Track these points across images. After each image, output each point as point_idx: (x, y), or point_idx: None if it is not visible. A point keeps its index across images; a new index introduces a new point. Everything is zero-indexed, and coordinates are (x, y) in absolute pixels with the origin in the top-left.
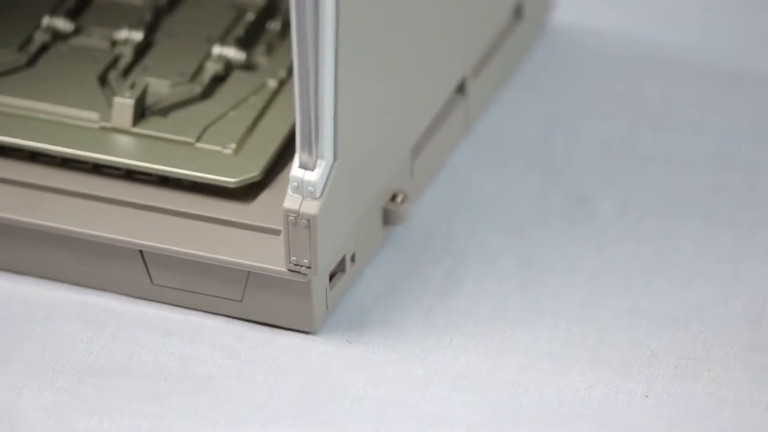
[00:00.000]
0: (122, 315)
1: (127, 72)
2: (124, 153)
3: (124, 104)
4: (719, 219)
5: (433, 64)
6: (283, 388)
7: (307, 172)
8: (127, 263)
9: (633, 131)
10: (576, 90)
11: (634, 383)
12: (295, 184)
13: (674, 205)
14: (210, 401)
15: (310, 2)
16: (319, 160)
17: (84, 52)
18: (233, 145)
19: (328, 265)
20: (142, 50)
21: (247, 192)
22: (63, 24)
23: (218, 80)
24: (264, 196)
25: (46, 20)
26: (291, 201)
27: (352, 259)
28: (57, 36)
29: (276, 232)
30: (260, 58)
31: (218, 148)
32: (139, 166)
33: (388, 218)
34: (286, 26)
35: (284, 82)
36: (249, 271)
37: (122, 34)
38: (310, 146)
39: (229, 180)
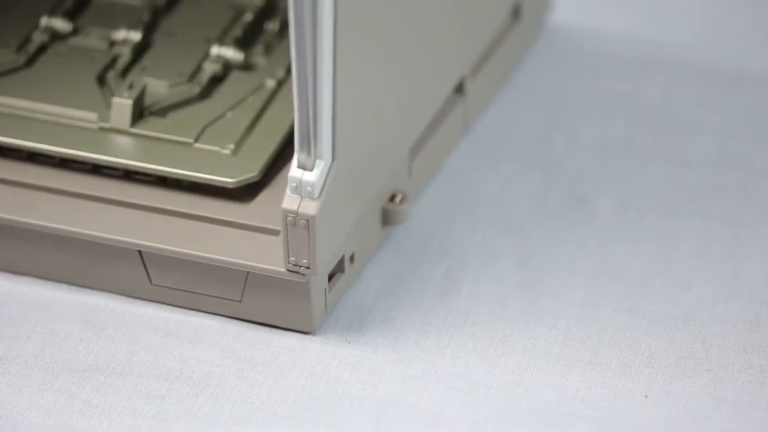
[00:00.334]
0: (121, 315)
1: (125, 72)
2: (122, 153)
3: (122, 104)
4: (718, 219)
5: (432, 64)
6: (282, 388)
7: (306, 173)
8: (126, 263)
9: (632, 131)
10: (575, 90)
11: (633, 383)
12: (294, 184)
13: (673, 204)
14: (209, 401)
15: (309, 2)
16: (317, 161)
17: (82, 53)
18: (232, 146)
19: (326, 265)
20: (140, 50)
21: (246, 192)
22: (61, 24)
23: (217, 80)
24: (263, 197)
25: (44, 20)
26: (289, 201)
27: (351, 259)
28: (55, 36)
29: (275, 233)
30: (258, 58)
31: (217, 149)
32: (138, 167)
33: (387, 218)
34: (284, 26)
35: (282, 83)
36: (248, 272)
37: (120, 34)
38: (308, 146)
39: (227, 180)
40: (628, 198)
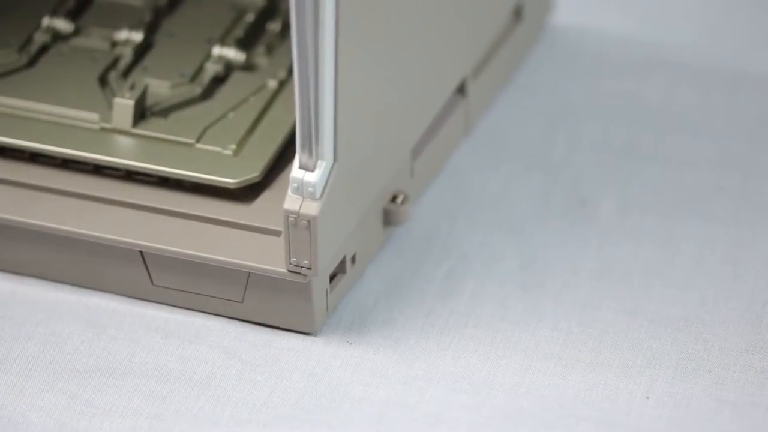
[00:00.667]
0: (123, 316)
1: (127, 73)
2: (124, 154)
3: (124, 105)
4: (719, 219)
5: (434, 65)
6: (283, 389)
7: (308, 173)
8: (127, 264)
9: (633, 132)
10: (576, 90)
11: (634, 384)
12: (296, 185)
13: (674, 205)
14: (210, 402)
15: (310, 3)
16: (319, 161)
17: (84, 53)
18: (233, 146)
19: (328, 266)
20: (142, 51)
21: (248, 193)
22: (63, 25)
23: (218, 81)
24: (264, 197)
25: (46, 21)
26: (291, 202)
27: (353, 260)
28: (57, 37)
29: (276, 233)
30: (260, 58)
31: (218, 149)
32: (140, 167)
33: (388, 219)
34: (286, 27)
35: (284, 83)
36: (249, 272)
37: (122, 34)
38: (310, 147)
39: (229, 181)
40: (629, 199)
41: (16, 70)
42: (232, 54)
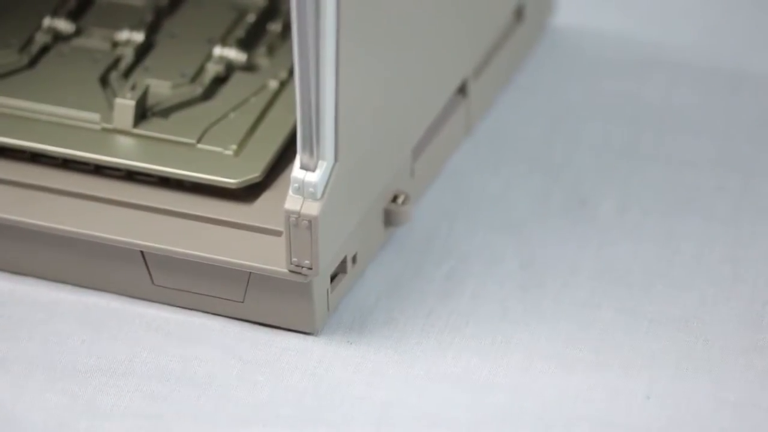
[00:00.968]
0: (123, 316)
1: (128, 73)
2: (125, 154)
3: (125, 105)
4: (719, 219)
5: (435, 66)
6: (284, 389)
7: (308, 173)
8: (128, 264)
9: (633, 132)
10: (576, 91)
11: (634, 384)
12: (296, 185)
13: (674, 205)
14: (211, 402)
15: (311, 3)
16: (320, 161)
17: (85, 54)
18: (234, 146)
19: (329, 266)
20: (143, 51)
21: (249, 193)
22: (64, 25)
23: (219, 81)
24: (265, 197)
25: (47, 21)
26: (292, 202)
27: (354, 260)
28: (58, 37)
29: (277, 233)
30: (261, 59)
31: (219, 149)
32: (140, 167)
33: (389, 219)
34: (287, 27)
35: (285, 84)
36: (250, 272)
37: (123, 35)
38: (311, 147)
39: (230, 181)
40: (629, 199)
41: (17, 70)
42: (233, 54)
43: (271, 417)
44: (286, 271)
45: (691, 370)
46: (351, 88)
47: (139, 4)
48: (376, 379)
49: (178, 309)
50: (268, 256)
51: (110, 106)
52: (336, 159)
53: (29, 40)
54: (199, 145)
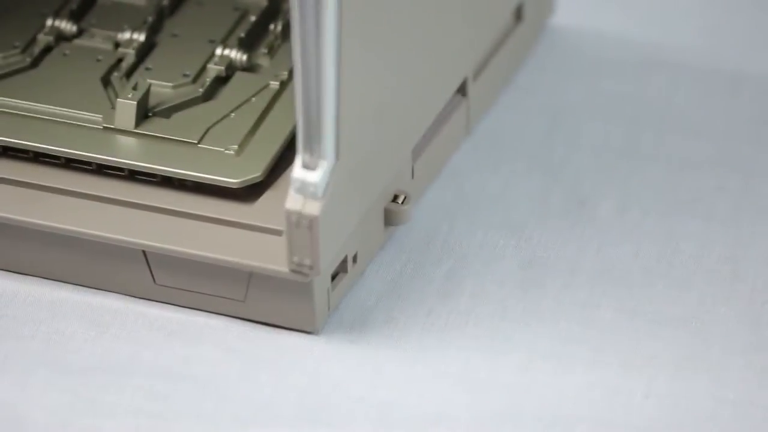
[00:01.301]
0: (125, 315)
1: (130, 73)
2: (127, 154)
3: (127, 105)
4: (719, 219)
5: (435, 66)
6: (284, 388)
7: (309, 173)
8: (130, 263)
9: (633, 132)
10: (576, 91)
11: (634, 384)
12: (297, 184)
13: (674, 205)
14: (212, 401)
15: (312, 3)
16: (320, 161)
17: (87, 54)
18: (235, 146)
19: (329, 265)
20: (144, 52)
21: (250, 192)
22: (66, 25)
23: (220, 81)
24: (266, 197)
25: (49, 22)
26: (293, 201)
27: (354, 259)
28: (60, 37)
29: (278, 233)
30: (262, 59)
31: (221, 149)
32: (142, 167)
33: (389, 219)
34: (287, 28)
35: (286, 84)
36: (251, 272)
37: (125, 35)
38: (311, 147)
39: (231, 180)
40: (629, 199)
41: (20, 70)
42: (235, 55)
43: (272, 416)
44: (287, 270)
45: (691, 369)
46: (352, 87)
47: (141, 4)
48: (377, 379)
49: (180, 308)
50: (269, 256)
51: (112, 106)
52: (337, 159)
53: (32, 41)
54: (201, 145)
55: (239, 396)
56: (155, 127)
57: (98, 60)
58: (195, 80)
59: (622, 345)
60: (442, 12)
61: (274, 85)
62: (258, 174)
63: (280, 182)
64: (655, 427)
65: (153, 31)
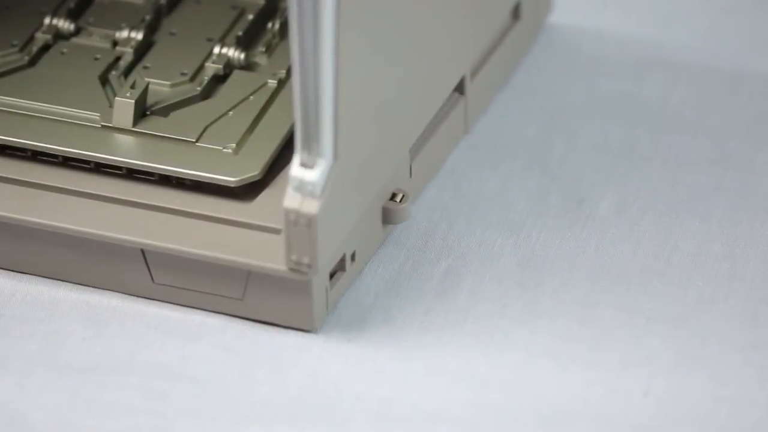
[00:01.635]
0: (123, 314)
1: (127, 72)
2: (125, 152)
3: (125, 104)
4: (717, 218)
5: (433, 64)
6: (283, 387)
7: (307, 171)
8: (128, 262)
9: (631, 131)
10: (574, 90)
11: (632, 382)
12: (296, 183)
13: (672, 204)
14: (211, 400)
15: (310, 1)
16: (319, 159)
17: (85, 52)
18: (233, 145)
19: (328, 263)
20: (142, 50)
21: (248, 191)
22: (64, 24)
23: (218, 80)
24: (264, 195)
25: (47, 20)
26: (291, 200)
27: (352, 257)
28: (58, 36)
29: (276, 231)
30: (260, 57)
31: (218, 148)
32: (140, 166)
33: (387, 217)
34: (285, 26)
35: (284, 82)
36: (249, 270)
37: (123, 34)
38: (309, 145)
39: (229, 179)
40: (627, 198)
41: (18, 69)
42: (232, 53)
43: (271, 414)
44: (285, 269)
45: (689, 367)
46: (349, 86)
47: (139, 3)
48: (376, 376)
49: (178, 307)
50: (268, 254)
51: (110, 104)
52: (335, 157)
53: (30, 39)
54: (199, 144)
55: (238, 394)
56: (153, 125)
57: (96, 58)
58: (193, 79)
59: (620, 343)
60: (440, 10)
61: (272, 83)
62: (256, 172)
63: (278, 181)
64: (654, 424)
65: (151, 29)
